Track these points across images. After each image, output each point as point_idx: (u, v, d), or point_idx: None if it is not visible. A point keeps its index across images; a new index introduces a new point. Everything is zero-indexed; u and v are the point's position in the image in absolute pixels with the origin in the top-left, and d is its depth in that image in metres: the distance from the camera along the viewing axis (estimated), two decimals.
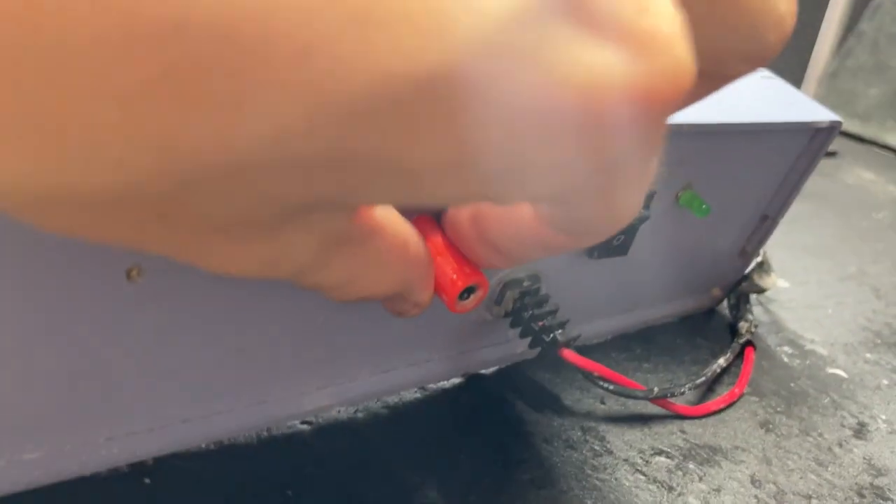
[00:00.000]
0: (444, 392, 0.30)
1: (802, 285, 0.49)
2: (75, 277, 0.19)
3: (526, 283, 0.30)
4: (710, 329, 0.40)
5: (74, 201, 0.11)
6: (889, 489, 0.29)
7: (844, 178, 0.82)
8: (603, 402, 0.32)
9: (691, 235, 0.37)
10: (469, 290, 0.23)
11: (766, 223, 0.40)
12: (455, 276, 0.23)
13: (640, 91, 0.12)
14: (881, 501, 0.29)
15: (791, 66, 0.95)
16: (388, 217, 0.19)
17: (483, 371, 0.32)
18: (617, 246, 0.32)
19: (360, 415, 0.28)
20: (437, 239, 0.24)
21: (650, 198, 0.31)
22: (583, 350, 0.34)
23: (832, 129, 0.36)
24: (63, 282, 0.19)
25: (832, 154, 0.92)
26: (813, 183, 0.72)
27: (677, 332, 0.39)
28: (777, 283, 0.45)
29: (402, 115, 0.11)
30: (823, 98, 1.08)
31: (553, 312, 0.30)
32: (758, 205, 0.39)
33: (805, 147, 0.37)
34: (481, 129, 0.12)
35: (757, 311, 0.43)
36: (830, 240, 0.60)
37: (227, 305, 0.22)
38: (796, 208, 0.66)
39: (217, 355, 0.23)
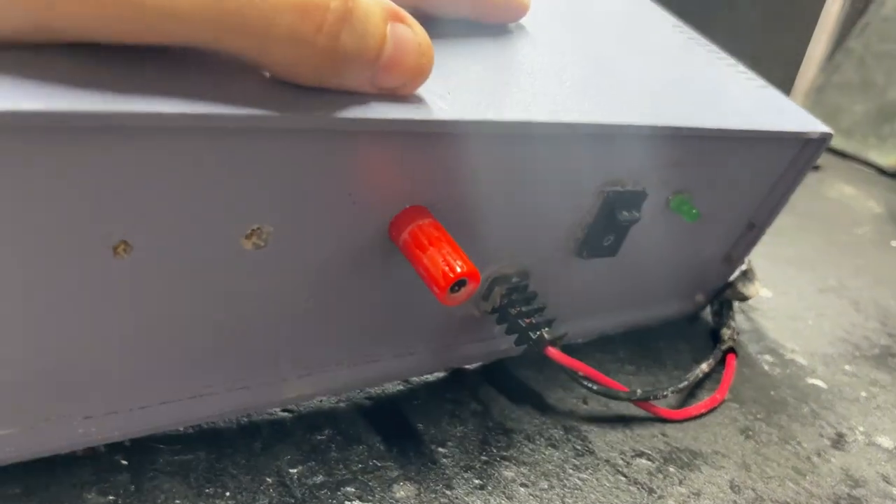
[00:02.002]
0: (428, 385, 0.30)
1: (784, 295, 0.49)
2: (58, 249, 0.18)
3: (514, 280, 0.30)
4: (693, 334, 0.40)
5: None
6: (866, 500, 0.30)
7: (826, 192, 0.83)
8: (585, 402, 0.32)
9: (679, 240, 0.37)
10: (460, 283, 0.23)
11: (752, 231, 0.40)
12: (447, 269, 0.23)
13: None
14: None
15: (779, 79, 0.96)
16: None
17: (467, 366, 0.32)
18: (607, 246, 0.32)
19: (342, 405, 0.28)
20: (430, 228, 0.24)
21: (641, 199, 0.31)
22: (567, 350, 0.34)
23: (823, 141, 0.37)
24: (45, 253, 0.18)
25: (815, 168, 0.93)
26: (796, 196, 0.73)
27: (660, 336, 0.39)
28: (760, 292, 0.46)
29: None
30: (809, 112, 1.09)
31: (540, 310, 0.30)
32: (745, 212, 0.39)
33: (795, 157, 0.37)
34: None
35: (739, 318, 0.44)
36: (812, 252, 0.60)
37: (213, 288, 0.22)
38: (779, 220, 0.66)
39: (199, 337, 0.23)
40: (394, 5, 0.21)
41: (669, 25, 0.40)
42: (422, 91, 0.22)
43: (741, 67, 0.39)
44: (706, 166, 0.34)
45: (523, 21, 0.31)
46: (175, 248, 0.20)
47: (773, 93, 0.38)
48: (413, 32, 0.21)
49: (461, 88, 0.24)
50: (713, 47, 0.40)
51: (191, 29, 0.17)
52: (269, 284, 0.23)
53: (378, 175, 0.23)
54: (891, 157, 1.00)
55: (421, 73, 0.22)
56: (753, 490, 0.29)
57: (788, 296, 0.49)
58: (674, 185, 0.33)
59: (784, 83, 0.94)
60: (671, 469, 0.29)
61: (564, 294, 0.33)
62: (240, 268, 0.22)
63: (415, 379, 0.30)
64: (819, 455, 0.32)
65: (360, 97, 0.21)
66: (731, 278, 0.42)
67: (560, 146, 0.27)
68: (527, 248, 0.30)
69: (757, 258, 0.52)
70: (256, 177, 0.20)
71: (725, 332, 0.39)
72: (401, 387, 0.30)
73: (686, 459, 0.29)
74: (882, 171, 1.00)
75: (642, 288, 0.38)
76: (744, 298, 0.42)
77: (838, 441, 0.33)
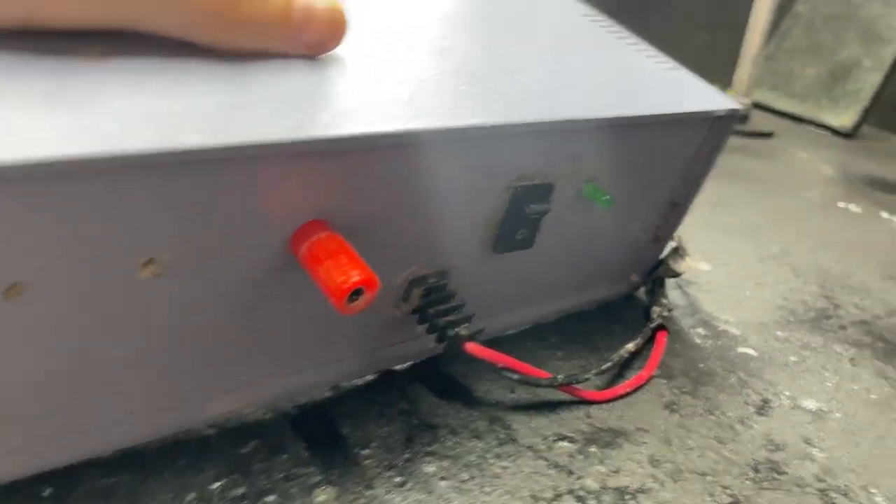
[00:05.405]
0: (357, 390, 0.31)
1: (724, 266, 0.50)
2: None
3: (432, 280, 0.31)
4: (627, 315, 0.41)
5: None
6: (784, 463, 0.31)
7: (779, 158, 0.84)
8: (513, 391, 0.33)
9: (601, 225, 0.38)
10: (358, 293, 0.24)
11: (676, 210, 0.41)
12: (341, 280, 0.24)
13: None
14: (775, 475, 0.30)
15: (729, 47, 0.97)
16: None
17: (397, 367, 0.33)
18: (520, 240, 0.33)
19: (268, 415, 0.29)
20: (327, 241, 0.25)
21: (549, 191, 0.32)
22: (497, 341, 0.35)
23: (732, 117, 0.38)
24: None
25: (768, 135, 0.94)
26: (745, 163, 0.74)
27: (593, 319, 0.40)
28: (694, 267, 0.47)
29: None
30: (761, 79, 1.11)
31: (458, 307, 0.31)
32: (666, 192, 0.40)
33: (707, 135, 0.38)
34: None
35: (676, 294, 0.45)
36: (757, 220, 0.61)
37: (118, 319, 0.23)
38: (726, 190, 0.68)
39: (113, 368, 0.24)
40: None
41: (578, 14, 0.41)
42: (317, 106, 0.24)
43: (651, 51, 0.40)
44: (615, 153, 0.34)
45: (433, 12, 0.33)
46: (70, 286, 0.21)
47: (682, 74, 0.39)
48: None
49: (357, 100, 0.25)
50: (625, 33, 0.41)
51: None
52: (177, 309, 0.24)
53: (273, 195, 0.24)
54: (843, 117, 1.01)
55: (336, 29, 0.26)
56: (673, 462, 0.30)
57: (728, 266, 0.50)
58: (584, 174, 0.34)
59: (732, 52, 0.96)
60: (592, 449, 0.30)
61: (489, 289, 0.34)
62: (142, 297, 0.23)
63: (344, 383, 0.31)
64: (742, 422, 0.33)
65: (247, 120, 0.22)
66: (663, 256, 0.43)
67: (459, 149, 0.28)
68: (442, 249, 0.31)
69: (699, 230, 0.53)
70: (142, 210, 0.21)
71: (655, 310, 0.40)
72: (329, 393, 0.31)
73: (608, 439, 0.31)
74: (837, 133, 1.01)
75: (572, 274, 0.39)
76: (675, 275, 0.43)
77: (763, 407, 0.34)
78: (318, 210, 0.25)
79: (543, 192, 0.32)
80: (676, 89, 0.37)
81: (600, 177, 0.35)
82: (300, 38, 0.25)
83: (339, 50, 0.27)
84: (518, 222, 0.32)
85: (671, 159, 0.38)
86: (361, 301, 0.24)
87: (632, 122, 0.33)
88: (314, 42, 0.26)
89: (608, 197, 0.34)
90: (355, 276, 0.24)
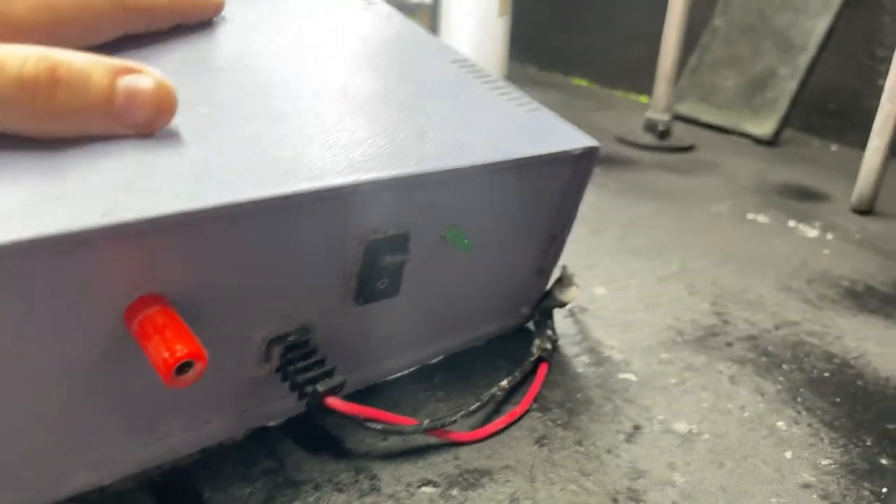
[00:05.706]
0: (225, 450, 0.32)
1: (621, 290, 0.51)
2: None
3: (292, 338, 0.32)
4: (515, 348, 0.42)
5: None
6: (644, 491, 0.32)
7: (698, 171, 0.86)
8: (385, 440, 0.33)
9: (476, 265, 0.38)
10: (187, 365, 0.25)
11: (555, 242, 0.42)
12: (167, 355, 0.24)
13: None
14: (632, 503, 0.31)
15: (641, 68, 0.99)
16: None
17: (270, 423, 0.33)
18: (384, 289, 0.34)
19: (129, 485, 0.29)
20: (155, 316, 0.25)
21: (405, 241, 0.33)
22: (378, 388, 0.36)
23: (591, 154, 0.39)
24: None
25: (688, 149, 0.96)
26: (663, 180, 0.76)
27: (480, 355, 0.41)
28: (579, 295, 0.48)
29: None
30: (688, 92, 1.13)
31: (319, 363, 0.32)
32: (541, 228, 0.41)
33: (571, 171, 0.39)
34: None
35: (566, 322, 0.46)
36: (664, 238, 0.63)
37: None
38: (640, 209, 0.69)
39: None
40: (122, 62, 0.26)
41: (446, 61, 0.42)
42: (135, 186, 0.24)
43: (515, 94, 0.41)
44: (473, 198, 0.36)
45: (283, 72, 0.34)
46: None
47: (543, 115, 0.40)
48: (146, 78, 0.26)
49: (187, 174, 0.26)
50: (491, 77, 0.42)
51: None
52: (12, 395, 0.25)
53: (90, 278, 0.24)
54: (764, 125, 1.04)
55: (164, 108, 0.27)
56: (533, 499, 0.31)
57: (625, 290, 0.52)
58: (444, 220, 0.35)
59: (650, 69, 0.98)
60: (454, 493, 0.31)
61: (361, 338, 0.35)
62: None
63: (213, 444, 0.32)
64: (610, 452, 0.34)
65: (50, 210, 0.22)
66: (549, 287, 0.44)
67: (297, 213, 0.29)
68: (300, 306, 0.32)
69: (606, 255, 0.54)
70: None
71: (536, 343, 0.41)
72: (198, 455, 0.31)
73: (472, 480, 0.31)
74: (759, 141, 1.04)
75: (453, 314, 0.40)
76: (562, 305, 0.44)
77: (632, 434, 0.35)
78: (150, 285, 0.26)
79: (399, 242, 0.33)
80: (535, 132, 0.38)
81: (463, 221, 0.36)
82: (124, 120, 0.26)
83: (174, 122, 0.28)
84: (376, 273, 0.33)
85: (538, 198, 0.39)
86: (192, 373, 0.25)
87: (483, 169, 0.34)
88: (140, 123, 0.26)
89: (467, 241, 0.35)
90: (179, 352, 0.24)
